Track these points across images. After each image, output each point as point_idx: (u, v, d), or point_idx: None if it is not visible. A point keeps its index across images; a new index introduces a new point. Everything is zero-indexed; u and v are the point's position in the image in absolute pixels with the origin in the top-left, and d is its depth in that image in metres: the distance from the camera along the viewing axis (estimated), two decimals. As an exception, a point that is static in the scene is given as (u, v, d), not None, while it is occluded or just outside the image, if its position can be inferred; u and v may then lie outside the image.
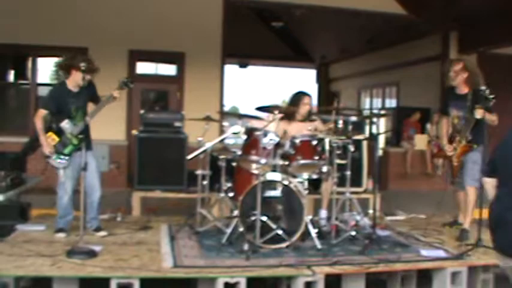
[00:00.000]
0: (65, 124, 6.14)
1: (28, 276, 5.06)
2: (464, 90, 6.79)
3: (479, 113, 6.29)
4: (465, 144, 6.71)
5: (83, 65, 6.16)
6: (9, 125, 13.23)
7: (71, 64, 6.29)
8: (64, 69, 6.39)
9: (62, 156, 6.23)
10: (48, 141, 6.23)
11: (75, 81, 6.27)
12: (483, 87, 6.28)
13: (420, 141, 13.98)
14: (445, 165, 7.28)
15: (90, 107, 6.46)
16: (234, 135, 6.43)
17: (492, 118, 6.48)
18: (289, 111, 6.80)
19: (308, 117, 7.05)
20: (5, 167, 6.87)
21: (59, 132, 6.24)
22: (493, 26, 12.26)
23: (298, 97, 7.09)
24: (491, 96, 6.20)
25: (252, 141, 6.13)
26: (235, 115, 7.10)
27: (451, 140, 6.88)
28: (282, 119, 6.70)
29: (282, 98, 30.02)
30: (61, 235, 6.25)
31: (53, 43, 12.07)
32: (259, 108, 6.32)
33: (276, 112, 6.13)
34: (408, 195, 11.29)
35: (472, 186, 6.65)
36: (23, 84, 13.56)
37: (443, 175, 7.27)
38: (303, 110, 6.99)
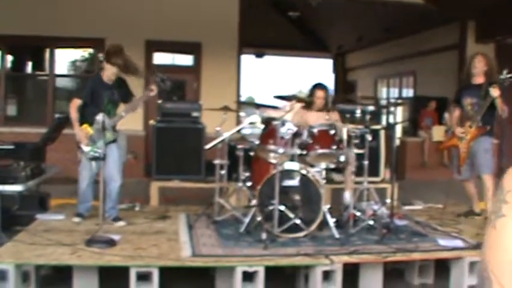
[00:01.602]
0: (101, 117, 6.18)
1: (49, 264, 5.13)
2: (479, 80, 6.90)
3: (495, 91, 6.45)
4: (477, 128, 6.81)
5: (116, 61, 6.26)
6: (28, 115, 13.37)
7: (107, 58, 6.41)
8: (100, 61, 6.50)
9: (96, 149, 6.29)
10: (84, 133, 6.29)
11: (107, 75, 6.38)
12: (504, 71, 6.45)
13: (437, 133, 13.90)
14: (453, 155, 7.29)
15: (122, 107, 6.55)
16: (251, 125, 6.45)
17: (503, 106, 6.62)
18: (307, 102, 6.81)
19: (326, 108, 7.05)
20: (25, 157, 6.93)
21: (93, 125, 6.30)
22: (511, 14, 12.14)
23: (312, 90, 7.11)
24: (510, 75, 6.39)
25: (269, 131, 6.14)
26: (252, 105, 7.11)
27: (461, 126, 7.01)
28: (302, 108, 6.76)
29: (298, 88, 29.87)
30: (76, 219, 6.39)
31: (71, 34, 12.15)
32: (279, 97, 6.32)
33: (295, 101, 6.13)
34: (425, 185, 11.26)
35: (488, 174, 6.72)
36: (41, 75, 13.65)
37: (451, 165, 7.31)
38: (317, 102, 7.00)
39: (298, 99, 6.26)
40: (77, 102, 6.38)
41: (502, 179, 1.22)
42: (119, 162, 6.47)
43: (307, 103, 6.84)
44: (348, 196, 6.92)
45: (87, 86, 6.62)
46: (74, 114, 6.36)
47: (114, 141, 6.32)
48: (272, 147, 6.02)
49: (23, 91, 14.00)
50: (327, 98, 7.18)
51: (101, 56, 6.20)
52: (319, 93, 7.05)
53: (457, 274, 5.34)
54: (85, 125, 6.32)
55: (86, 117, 6.35)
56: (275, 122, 6.03)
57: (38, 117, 12.58)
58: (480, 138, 6.87)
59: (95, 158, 6.24)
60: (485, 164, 6.79)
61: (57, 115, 11.16)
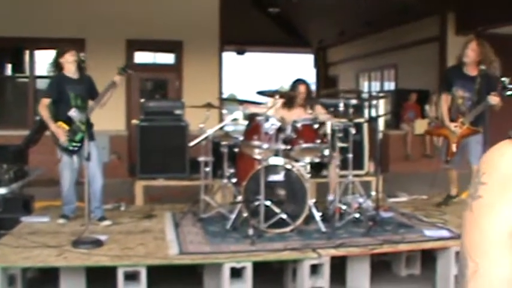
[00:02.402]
0: (73, 112, 6.16)
1: (35, 267, 5.09)
2: (473, 71, 6.69)
3: (494, 100, 6.15)
4: (468, 127, 6.71)
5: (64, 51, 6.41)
6: (9, 118, 13.26)
7: (58, 58, 6.49)
8: (57, 65, 6.54)
9: (74, 144, 6.29)
10: (61, 130, 6.27)
11: (69, 66, 6.39)
12: (505, 79, 6.02)
13: (420, 126, 13.98)
14: (441, 144, 7.27)
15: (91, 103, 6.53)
16: (235, 121, 6.44)
17: (499, 103, 6.39)
18: (289, 97, 6.80)
19: (308, 103, 7.06)
20: (7, 160, 6.87)
21: (68, 121, 6.27)
22: (490, 5, 12.23)
23: (294, 85, 7.11)
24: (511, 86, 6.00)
25: (253, 127, 6.14)
26: (235, 101, 7.11)
27: (452, 120, 6.88)
28: (282, 106, 6.76)
29: (279, 83, 29.89)
30: (61, 221, 6.36)
31: (50, 35, 12.05)
32: (261, 92, 6.32)
33: (277, 97, 6.13)
34: (409, 177, 11.33)
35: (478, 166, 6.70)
36: (21, 77, 13.54)
37: (439, 153, 7.29)
38: (299, 98, 7.00)
39: (281, 95, 6.25)
40: (45, 101, 6.40)
41: (480, 163, 1.23)
42: (99, 161, 6.47)
43: (290, 98, 6.84)
44: (331, 198, 6.92)
45: (51, 83, 6.63)
46: (45, 114, 6.36)
47: (91, 138, 6.27)
48: (256, 142, 6.01)
49: (3, 94, 13.87)
50: (309, 93, 7.19)
51: (82, 55, 6.16)
52: (301, 88, 7.05)
53: (444, 264, 5.37)
54: (59, 123, 6.31)
55: (57, 115, 6.36)
56: (259, 118, 6.03)
57: (18, 120, 12.50)
58: (471, 135, 6.76)
59: (75, 152, 6.25)
60: (476, 155, 6.69)
61: (38, 117, 11.08)
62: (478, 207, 1.18)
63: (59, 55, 6.46)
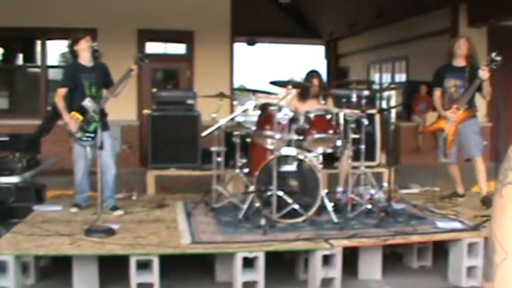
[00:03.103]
0: (87, 102, 6.15)
1: (48, 255, 5.13)
2: (462, 63, 6.99)
3: (485, 73, 6.54)
4: (464, 111, 6.88)
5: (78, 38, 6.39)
6: (21, 107, 13.30)
7: (73, 46, 6.47)
8: (72, 53, 6.53)
9: (88, 134, 6.29)
10: (73, 120, 6.27)
11: (84, 54, 6.37)
12: (493, 53, 6.51)
13: (431, 119, 13.92)
14: (438, 139, 7.34)
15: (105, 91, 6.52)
16: (247, 111, 6.43)
17: (489, 89, 6.75)
18: (303, 88, 6.78)
19: (321, 94, 7.05)
20: (20, 149, 6.90)
21: (82, 111, 6.27)
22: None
23: (308, 77, 7.11)
24: (498, 58, 6.43)
25: (266, 117, 6.12)
26: (247, 91, 7.09)
27: (447, 109, 7.02)
28: (296, 97, 6.76)
29: (290, 75, 29.80)
30: (73, 210, 6.40)
31: (62, 25, 12.06)
32: (274, 83, 6.30)
33: (290, 87, 6.12)
34: (420, 169, 11.28)
35: (479, 155, 6.84)
36: (33, 67, 13.58)
37: (438, 151, 7.32)
38: (313, 89, 7.00)
39: (294, 85, 6.24)
40: (61, 91, 6.39)
41: (509, 149, 1.21)
42: (112, 150, 6.47)
43: (304, 89, 6.83)
44: (340, 190, 6.91)
45: (65, 72, 6.63)
46: (60, 104, 6.36)
47: (105, 128, 6.26)
48: (269, 133, 6.00)
49: (15, 83, 13.92)
50: (322, 85, 7.18)
51: (95, 45, 6.13)
52: (315, 80, 7.05)
53: (456, 256, 5.36)
54: (73, 113, 6.32)
55: (72, 105, 6.37)
56: (272, 108, 6.01)
57: (30, 110, 12.52)
58: (468, 121, 6.92)
59: (88, 143, 6.26)
60: (475, 145, 6.87)
61: (50, 107, 11.10)
62: (508, 193, 1.16)
63: (74, 42, 6.45)
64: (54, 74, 13.10)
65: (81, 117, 6.28)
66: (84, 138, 6.30)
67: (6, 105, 13.72)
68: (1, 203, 6.47)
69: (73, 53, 6.47)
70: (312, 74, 7.13)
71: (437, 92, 7.19)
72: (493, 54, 6.46)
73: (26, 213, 6.30)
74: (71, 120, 6.28)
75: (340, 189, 6.84)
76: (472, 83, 6.71)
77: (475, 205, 6.73)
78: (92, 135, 6.29)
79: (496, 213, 1.19)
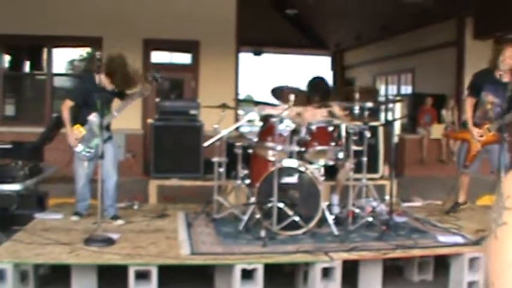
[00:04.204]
0: (93, 117, 6.15)
1: (47, 263, 5.12)
2: (506, 78, 6.43)
3: None
4: (494, 134, 6.58)
5: (114, 79, 6.19)
6: (26, 115, 13.36)
7: (107, 68, 6.20)
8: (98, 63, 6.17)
9: (88, 149, 6.28)
10: (75, 133, 6.26)
11: (102, 79, 6.19)
12: None
13: (436, 131, 13.93)
14: (461, 148, 7.11)
15: (116, 102, 6.50)
16: (250, 122, 6.43)
17: None
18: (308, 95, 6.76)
19: (324, 103, 7.01)
20: (23, 157, 6.92)
21: (86, 125, 6.27)
22: (509, 10, 12.11)
23: (312, 83, 7.04)
24: None
25: (268, 128, 6.12)
26: (250, 102, 7.08)
27: (477, 125, 6.74)
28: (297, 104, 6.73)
29: (296, 85, 29.81)
30: (74, 218, 6.37)
31: (68, 33, 12.14)
32: (276, 89, 6.25)
33: (292, 96, 6.09)
34: (424, 182, 11.26)
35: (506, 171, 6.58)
36: (39, 75, 13.64)
37: (456, 159, 7.14)
38: (317, 95, 6.93)
39: (296, 95, 6.22)
40: (68, 104, 6.35)
41: (501, 185, 1.17)
42: (114, 159, 6.44)
43: (306, 98, 6.81)
44: (335, 200, 6.88)
45: (77, 87, 6.59)
46: (66, 115, 6.33)
47: (109, 139, 6.26)
48: (270, 144, 6.00)
49: (21, 91, 13.99)
50: (327, 91, 7.12)
51: (98, 54, 6.10)
52: (320, 87, 6.99)
53: (457, 270, 5.33)
54: (77, 125, 6.30)
55: (79, 117, 6.33)
56: (273, 119, 6.01)
57: (36, 117, 12.57)
58: (496, 144, 6.58)
59: (87, 158, 6.25)
60: (504, 163, 6.42)
61: (54, 114, 11.12)
62: (503, 235, 1.12)
63: (110, 65, 6.21)
64: (60, 82, 13.16)
65: (84, 131, 6.27)
66: (84, 153, 6.28)
67: (12, 112, 13.77)
68: (3, 210, 6.47)
69: (94, 63, 6.31)
70: (317, 80, 7.08)
71: (469, 100, 6.83)
72: None
73: (27, 220, 6.29)
74: (72, 132, 6.27)
75: (335, 197, 6.81)
76: (510, 111, 6.29)
77: (477, 219, 6.69)
78: (93, 150, 6.26)
79: (491, 256, 1.14)
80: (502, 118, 6.43)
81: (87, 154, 6.29)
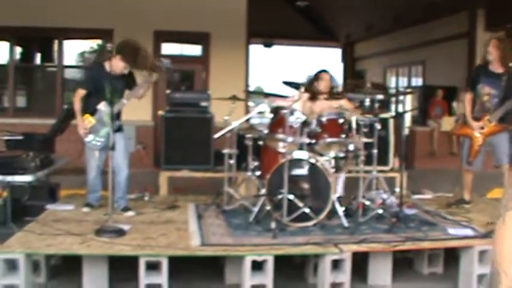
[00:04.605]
0: (102, 106, 6.16)
1: (58, 254, 5.16)
2: (498, 69, 6.65)
3: None
4: (496, 125, 6.65)
5: (126, 56, 6.15)
6: (37, 107, 13.42)
7: (118, 50, 6.22)
8: (109, 51, 6.30)
9: (98, 138, 6.30)
10: (85, 123, 6.29)
11: (113, 67, 6.27)
12: None
13: (447, 123, 13.86)
14: (464, 144, 7.13)
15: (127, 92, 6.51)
16: (260, 114, 6.43)
17: None
18: (312, 89, 6.75)
19: (333, 95, 7.01)
20: (34, 148, 6.95)
21: (96, 114, 6.29)
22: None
23: (316, 74, 7.07)
24: None
25: (278, 120, 6.12)
26: (261, 94, 7.09)
27: (477, 118, 6.79)
28: (308, 98, 6.74)
29: (306, 77, 29.81)
30: (85, 209, 6.42)
31: (79, 25, 12.17)
32: (287, 83, 6.26)
33: (302, 90, 6.10)
34: (435, 174, 11.23)
35: (509, 164, 6.65)
36: (49, 67, 13.69)
37: (460, 154, 7.15)
38: (322, 85, 6.95)
39: (306, 89, 6.22)
40: (81, 93, 6.35)
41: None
42: (125, 152, 6.45)
43: (313, 93, 6.80)
44: (340, 186, 6.87)
45: (88, 75, 6.59)
46: (77, 105, 6.35)
47: (119, 130, 6.27)
48: (281, 136, 6.00)
49: (32, 82, 14.05)
50: (333, 84, 7.13)
51: (109, 46, 6.12)
52: (323, 75, 7.00)
53: (467, 263, 5.31)
54: (87, 115, 6.31)
55: (88, 107, 6.34)
56: (284, 111, 6.01)
57: (47, 109, 12.63)
58: (498, 133, 6.71)
59: (97, 148, 6.28)
60: (505, 152, 6.65)
61: (65, 106, 11.17)
62: (511, 219, 1.13)
63: (120, 51, 6.21)
64: (71, 74, 13.21)
65: (93, 121, 6.29)
66: (94, 142, 6.31)
67: (24, 103, 13.83)
68: (15, 201, 6.51)
69: (107, 53, 6.33)
70: (321, 72, 7.10)
71: (468, 96, 6.94)
72: None
73: (39, 211, 6.33)
74: (82, 123, 6.29)
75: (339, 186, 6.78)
76: (509, 100, 6.47)
77: (488, 212, 6.68)
78: (103, 139, 6.27)
79: (498, 239, 1.15)
80: (501, 107, 6.55)
81: (98, 144, 6.31)
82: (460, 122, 12.68)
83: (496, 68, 6.67)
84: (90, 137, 6.30)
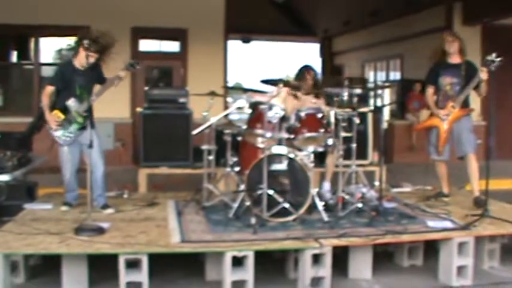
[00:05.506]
0: (71, 102, 6.17)
1: (37, 254, 5.12)
2: (457, 59, 7.03)
3: (484, 74, 6.55)
4: (460, 109, 6.91)
5: (86, 42, 6.12)
6: (14, 105, 13.27)
7: (79, 42, 6.35)
8: (74, 47, 6.49)
9: (67, 134, 6.28)
10: (54, 118, 6.25)
11: (80, 59, 6.30)
12: (493, 55, 6.46)
13: (424, 117, 13.91)
14: (431, 135, 7.26)
15: (97, 88, 6.48)
16: (239, 109, 6.42)
17: (486, 88, 6.79)
18: (294, 86, 6.75)
19: (314, 91, 7.02)
20: (11, 147, 6.90)
21: (65, 110, 6.27)
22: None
23: (301, 72, 7.10)
24: (498, 59, 6.41)
25: (257, 115, 6.10)
26: (240, 90, 7.07)
27: (441, 108, 7.03)
28: (290, 94, 6.75)
29: (285, 73, 29.91)
30: (63, 208, 6.39)
31: (55, 22, 12.05)
32: (265, 81, 6.27)
33: (281, 86, 6.10)
34: (414, 168, 11.27)
35: (473, 153, 6.90)
36: (26, 65, 13.56)
37: (427, 148, 7.30)
38: (306, 85, 6.99)
39: (285, 84, 6.22)
40: (49, 89, 6.36)
41: None
42: (99, 148, 6.42)
43: (295, 87, 6.80)
44: (327, 186, 6.96)
45: (56, 72, 6.56)
46: (45, 101, 6.34)
47: (92, 127, 6.20)
48: (260, 131, 5.98)
49: (8, 81, 13.88)
50: (316, 81, 7.16)
51: (86, 42, 6.08)
52: (308, 75, 7.04)
53: (446, 255, 5.36)
54: (56, 111, 6.30)
55: (56, 103, 6.35)
56: (262, 106, 6.00)
57: (23, 107, 12.52)
58: (462, 119, 6.96)
59: (67, 143, 6.25)
60: (468, 142, 6.93)
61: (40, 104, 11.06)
62: None
63: (81, 40, 6.30)
64: (48, 72, 13.07)
65: (62, 116, 6.27)
66: (63, 138, 6.29)
67: (0, 102, 13.68)
68: (-8, 201, 6.45)
69: (75, 49, 6.41)
70: (306, 69, 7.12)
71: (430, 90, 7.20)
72: (494, 55, 6.42)
73: (17, 211, 6.27)
74: (51, 117, 6.27)
75: (326, 184, 6.88)
76: (470, 82, 6.72)
77: (466, 204, 6.73)
78: (72, 135, 6.30)
79: None
80: (463, 91, 6.85)
81: (67, 139, 6.30)
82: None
83: (455, 59, 7.04)
84: (59, 132, 6.29)
